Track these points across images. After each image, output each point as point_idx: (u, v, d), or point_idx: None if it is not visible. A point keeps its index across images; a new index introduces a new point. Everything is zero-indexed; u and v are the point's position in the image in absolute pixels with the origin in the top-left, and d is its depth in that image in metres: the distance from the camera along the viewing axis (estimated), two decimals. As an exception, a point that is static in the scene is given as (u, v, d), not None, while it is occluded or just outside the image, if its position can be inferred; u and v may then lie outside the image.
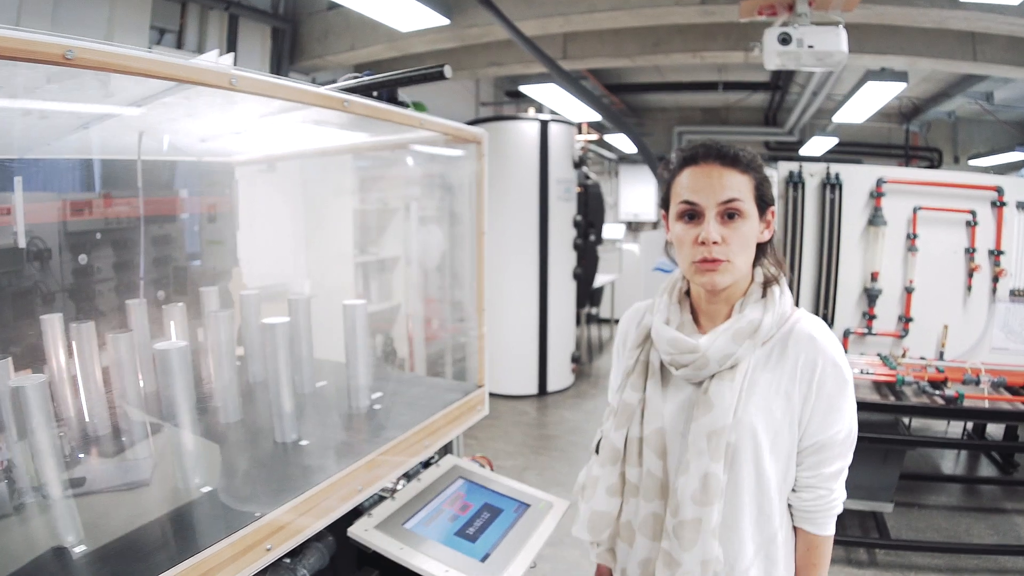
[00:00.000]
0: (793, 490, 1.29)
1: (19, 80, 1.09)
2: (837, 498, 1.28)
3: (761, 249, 1.32)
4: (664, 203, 1.34)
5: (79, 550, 1.11)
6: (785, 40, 3.36)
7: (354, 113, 1.44)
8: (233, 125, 1.97)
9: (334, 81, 1.82)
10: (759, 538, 1.27)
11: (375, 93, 1.63)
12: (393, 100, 1.64)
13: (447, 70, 1.51)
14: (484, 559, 1.47)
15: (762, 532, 1.27)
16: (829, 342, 1.25)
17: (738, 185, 1.23)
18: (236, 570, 1.16)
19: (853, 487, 3.40)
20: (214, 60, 1.17)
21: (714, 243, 1.20)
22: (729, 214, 1.22)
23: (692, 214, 1.24)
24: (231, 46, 4.93)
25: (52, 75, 1.05)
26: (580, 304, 7.39)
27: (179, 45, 4.61)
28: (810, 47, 3.36)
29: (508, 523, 1.63)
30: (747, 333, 1.24)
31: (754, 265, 1.32)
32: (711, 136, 1.32)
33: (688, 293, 1.39)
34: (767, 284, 1.31)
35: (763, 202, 1.27)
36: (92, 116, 1.59)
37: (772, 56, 3.45)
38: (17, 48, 0.89)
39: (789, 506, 1.31)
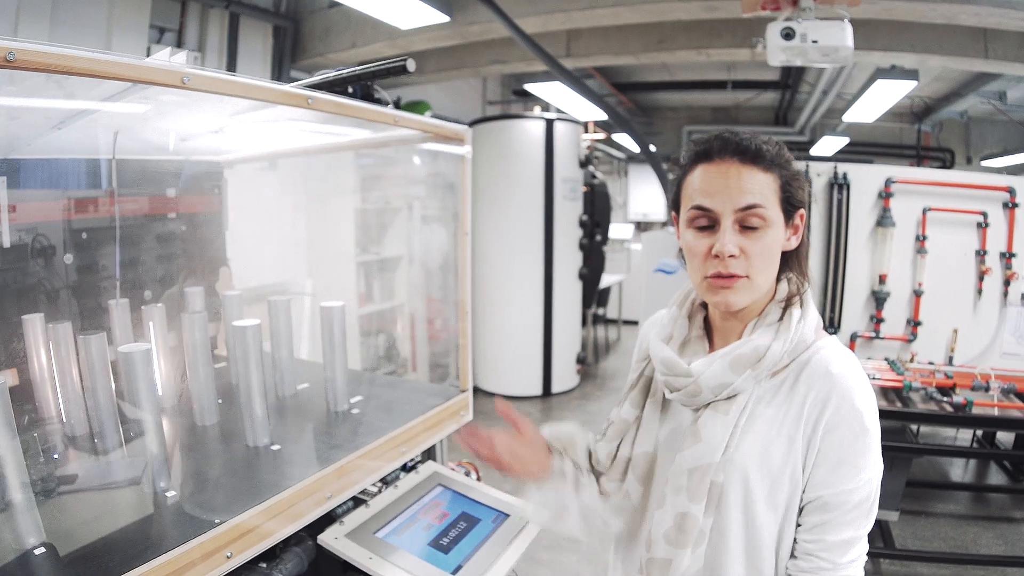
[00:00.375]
0: (793, 555, 1.08)
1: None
2: None
3: (786, 259, 1.13)
4: (674, 204, 1.16)
5: (38, 552, 1.09)
6: (788, 35, 3.30)
7: (319, 110, 1.39)
8: (215, 124, 1.94)
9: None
10: None
11: (351, 89, 1.59)
12: (368, 97, 1.60)
13: (410, 63, 1.46)
14: (456, 571, 1.42)
15: None
16: (851, 380, 1.04)
17: (760, 187, 1.04)
18: (194, 577, 1.12)
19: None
20: (167, 59, 1.13)
21: (730, 256, 1.03)
22: (749, 222, 1.04)
23: (705, 221, 1.07)
24: (232, 45, 4.92)
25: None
26: (586, 304, 7.33)
27: (179, 44, 4.60)
28: (814, 42, 3.29)
29: (485, 533, 1.57)
30: (749, 361, 1.06)
31: (778, 278, 1.13)
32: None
33: (705, 305, 1.23)
34: (788, 303, 1.12)
35: (790, 205, 1.08)
36: (67, 114, 1.56)
37: (776, 52, 3.39)
38: None
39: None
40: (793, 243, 1.12)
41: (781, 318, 1.10)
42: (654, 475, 1.17)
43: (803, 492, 1.05)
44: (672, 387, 1.12)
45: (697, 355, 1.15)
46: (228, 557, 1.19)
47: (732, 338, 1.14)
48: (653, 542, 1.09)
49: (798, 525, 1.07)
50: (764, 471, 1.05)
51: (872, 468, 1.03)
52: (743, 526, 1.07)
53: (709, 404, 1.09)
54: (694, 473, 1.06)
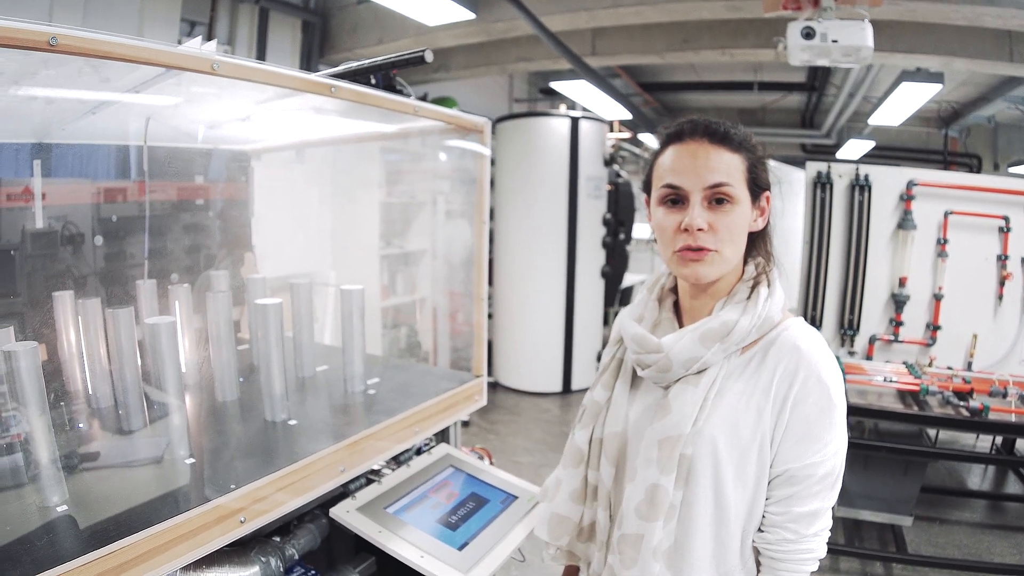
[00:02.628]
0: (760, 529, 1.11)
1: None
2: (809, 550, 1.07)
3: (753, 241, 1.17)
4: (646, 186, 1.20)
5: (60, 509, 1.14)
6: (809, 34, 3.30)
7: (341, 99, 1.44)
8: (242, 112, 2.00)
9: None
10: (713, 573, 1.11)
11: (372, 80, 1.63)
12: (390, 88, 1.64)
13: (427, 54, 1.50)
14: (462, 548, 1.46)
15: (717, 568, 1.11)
16: (818, 355, 1.07)
17: (727, 167, 1.08)
18: (208, 539, 1.17)
19: (871, 498, 3.31)
20: (198, 46, 1.18)
21: (699, 230, 1.07)
22: (717, 199, 1.08)
23: (675, 199, 1.10)
24: (261, 39, 5.01)
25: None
26: (608, 303, 7.35)
27: (209, 38, 4.68)
28: (834, 41, 3.29)
29: (492, 514, 1.62)
30: (717, 335, 1.09)
31: (746, 259, 1.18)
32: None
33: (675, 290, 1.26)
34: (756, 282, 1.15)
35: (756, 186, 1.12)
36: (101, 99, 1.62)
37: (796, 51, 3.40)
38: (3, 35, 0.91)
39: (757, 552, 1.13)
40: (760, 224, 1.16)
41: (749, 297, 1.14)
42: (626, 455, 1.18)
43: (771, 467, 1.08)
44: (643, 364, 1.15)
45: (667, 335, 1.16)
46: (242, 522, 1.23)
47: (701, 318, 1.16)
48: (625, 517, 1.11)
49: (766, 499, 1.10)
50: (733, 444, 1.07)
51: (837, 441, 1.06)
52: (712, 502, 1.09)
53: (680, 379, 1.12)
54: (664, 444, 1.08)
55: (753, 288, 1.15)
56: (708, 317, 1.13)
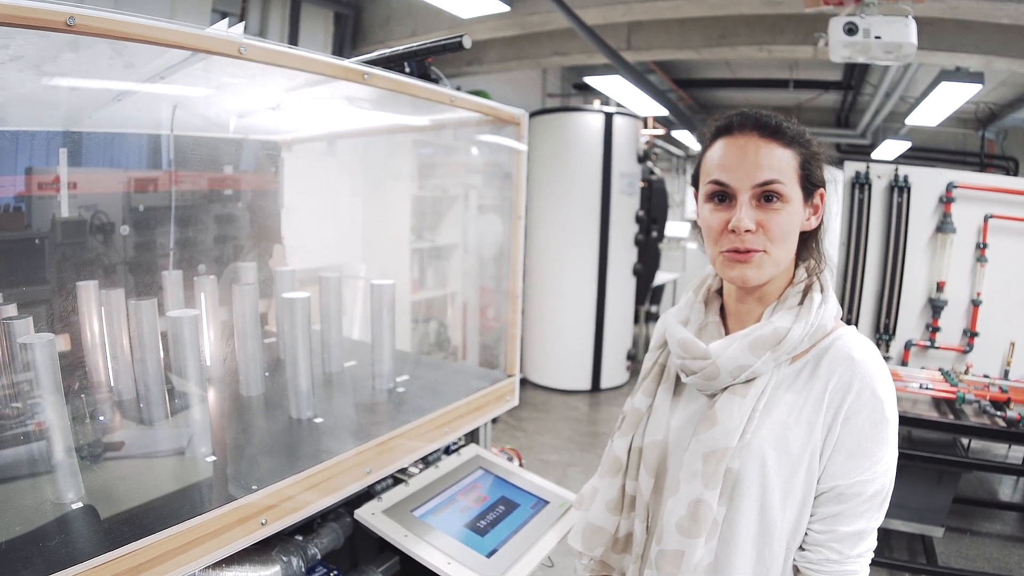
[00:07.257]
0: (801, 547, 1.05)
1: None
2: (853, 571, 1.02)
3: (805, 241, 1.11)
4: (694, 180, 1.14)
5: (76, 506, 1.11)
6: (851, 30, 3.22)
7: (375, 86, 1.40)
8: (271, 101, 1.96)
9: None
10: None
11: (407, 68, 1.59)
12: (424, 76, 1.60)
13: (466, 40, 1.45)
14: (490, 555, 1.42)
15: None
16: (873, 367, 1.01)
17: (779, 163, 1.02)
18: (229, 540, 1.14)
19: (902, 507, 3.22)
20: (224, 30, 1.15)
21: (747, 231, 1.01)
22: (766, 196, 1.02)
23: (723, 195, 1.04)
24: (293, 31, 4.98)
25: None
26: (639, 301, 7.31)
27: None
28: (877, 38, 3.20)
29: (522, 519, 1.57)
30: (769, 343, 1.03)
31: (797, 262, 1.11)
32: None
33: (720, 292, 1.20)
34: (808, 287, 1.09)
35: (810, 183, 1.06)
36: (125, 86, 1.59)
37: (838, 47, 3.31)
38: (19, 15, 0.89)
39: (796, 570, 1.07)
40: (813, 223, 1.10)
41: (801, 302, 1.08)
42: (666, 466, 1.13)
43: (818, 482, 1.02)
44: (688, 370, 1.10)
45: (713, 340, 1.11)
46: (263, 524, 1.20)
47: (749, 323, 1.11)
48: (665, 532, 1.06)
49: (810, 516, 1.04)
50: (782, 458, 1.02)
51: (888, 458, 1.01)
52: (756, 519, 1.03)
53: (727, 388, 1.06)
54: (710, 458, 1.03)
55: (805, 293, 1.09)
56: (758, 323, 1.07)
